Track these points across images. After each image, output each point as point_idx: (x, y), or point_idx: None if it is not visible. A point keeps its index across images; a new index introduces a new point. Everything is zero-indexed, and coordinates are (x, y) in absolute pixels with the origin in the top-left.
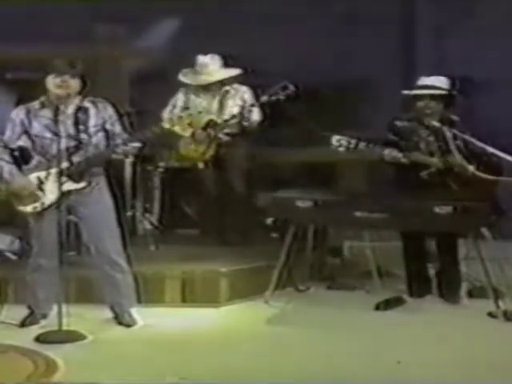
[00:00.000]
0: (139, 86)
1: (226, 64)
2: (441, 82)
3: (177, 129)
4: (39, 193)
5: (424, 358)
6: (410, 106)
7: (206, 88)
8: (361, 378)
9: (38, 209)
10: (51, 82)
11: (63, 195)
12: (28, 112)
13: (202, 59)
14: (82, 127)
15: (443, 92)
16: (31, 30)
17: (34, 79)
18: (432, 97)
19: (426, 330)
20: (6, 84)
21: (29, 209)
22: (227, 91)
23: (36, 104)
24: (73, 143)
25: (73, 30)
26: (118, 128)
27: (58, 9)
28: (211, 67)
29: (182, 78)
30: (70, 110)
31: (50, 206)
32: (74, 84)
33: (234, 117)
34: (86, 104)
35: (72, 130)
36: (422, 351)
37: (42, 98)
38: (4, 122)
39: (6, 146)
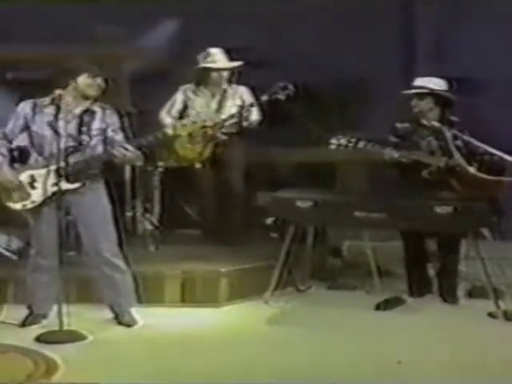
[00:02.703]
0: (139, 86)
1: (231, 59)
2: (430, 82)
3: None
4: (30, 191)
5: (424, 358)
6: (409, 106)
7: (207, 86)
8: (361, 378)
9: (28, 206)
10: (85, 81)
11: (56, 194)
12: (34, 107)
13: (211, 50)
14: (84, 129)
15: (426, 91)
16: (31, 30)
17: (34, 79)
18: (418, 96)
19: (426, 329)
20: (6, 84)
21: (18, 206)
22: (226, 91)
23: (45, 100)
24: (72, 143)
25: (73, 30)
26: (119, 135)
27: (58, 9)
28: (220, 56)
29: (202, 64)
30: (78, 110)
31: (41, 204)
32: (103, 86)
33: (232, 116)
34: (95, 108)
35: (74, 131)
36: (422, 351)
37: (53, 95)
38: (3, 121)
39: (5, 138)
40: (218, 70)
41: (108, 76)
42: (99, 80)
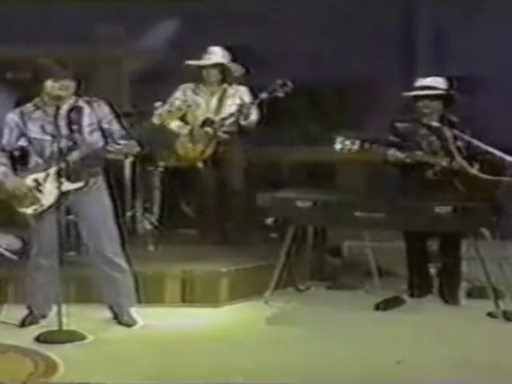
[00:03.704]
0: (139, 86)
1: (233, 59)
2: (438, 82)
3: (173, 126)
4: (38, 195)
5: (424, 358)
6: (410, 106)
7: (206, 84)
8: (360, 377)
9: (38, 211)
10: (51, 85)
11: (62, 195)
12: (22, 115)
13: (211, 48)
14: (75, 127)
15: (441, 92)
16: (31, 30)
17: (34, 79)
18: (430, 97)
19: (426, 330)
20: (6, 84)
21: (29, 211)
22: (226, 90)
23: (30, 106)
24: (67, 143)
25: (73, 30)
26: (115, 126)
27: (58, 9)
28: (217, 55)
29: (188, 62)
30: (64, 110)
31: (49, 207)
32: (72, 85)
33: (231, 115)
34: (81, 104)
35: (66, 130)
36: (422, 351)
37: (36, 100)
38: (3, 121)
39: (3, 150)
40: (205, 66)
41: (74, 76)
42: (66, 81)
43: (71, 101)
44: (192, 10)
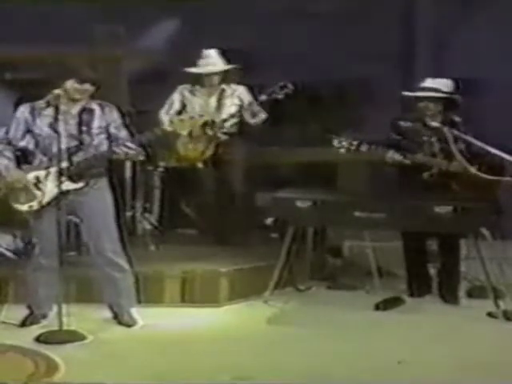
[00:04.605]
0: (139, 86)
1: (228, 61)
2: (441, 84)
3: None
4: (36, 192)
5: (424, 358)
6: (412, 106)
7: (204, 86)
8: (361, 377)
9: (35, 207)
10: (72, 85)
11: (61, 195)
12: (33, 110)
13: (206, 51)
14: (84, 128)
15: (441, 95)
16: (31, 29)
17: (34, 79)
18: (432, 99)
19: (426, 330)
20: (6, 84)
21: (25, 207)
22: (224, 90)
23: (42, 103)
24: (74, 143)
25: (73, 30)
26: (123, 132)
27: (58, 9)
28: (215, 59)
29: (187, 69)
30: (75, 110)
31: (47, 204)
32: (91, 90)
33: (232, 116)
34: (93, 106)
35: (75, 130)
36: (422, 351)
37: (49, 97)
38: (2, 121)
39: (9, 144)
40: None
41: (98, 80)
42: (87, 85)
43: (83, 102)
44: (192, 10)
